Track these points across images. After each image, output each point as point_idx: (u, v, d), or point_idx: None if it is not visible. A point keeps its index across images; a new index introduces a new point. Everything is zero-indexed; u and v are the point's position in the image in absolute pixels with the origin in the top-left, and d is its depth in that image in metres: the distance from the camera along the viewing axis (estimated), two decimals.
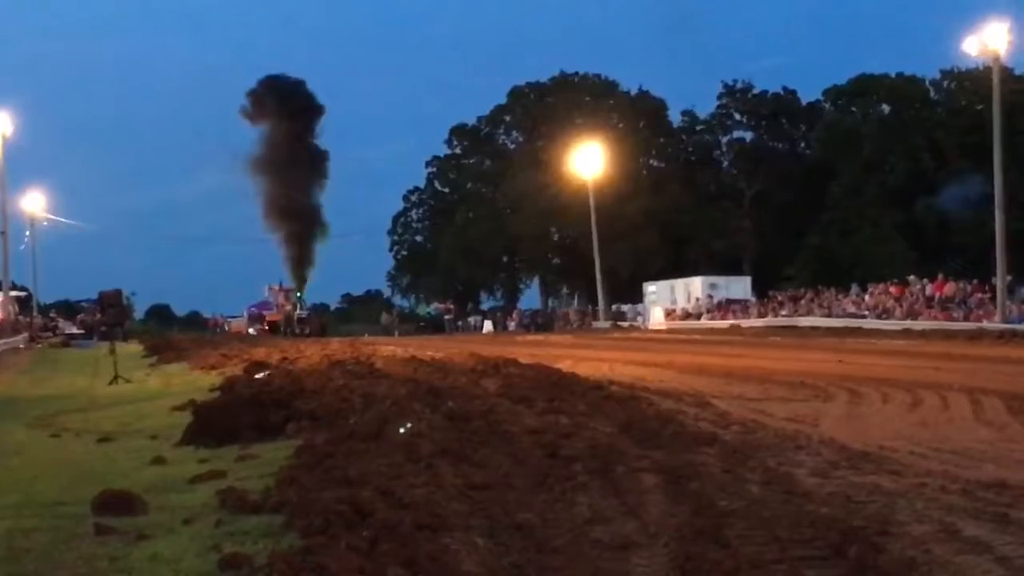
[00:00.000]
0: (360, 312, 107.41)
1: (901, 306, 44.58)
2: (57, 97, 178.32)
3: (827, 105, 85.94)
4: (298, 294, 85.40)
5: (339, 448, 9.98)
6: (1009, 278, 39.97)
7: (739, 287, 63.88)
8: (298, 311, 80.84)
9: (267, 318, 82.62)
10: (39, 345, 51.47)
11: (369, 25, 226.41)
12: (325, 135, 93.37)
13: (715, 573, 5.56)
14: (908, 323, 40.84)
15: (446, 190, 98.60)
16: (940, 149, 75.53)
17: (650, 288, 68.39)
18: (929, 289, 45.21)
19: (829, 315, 48.02)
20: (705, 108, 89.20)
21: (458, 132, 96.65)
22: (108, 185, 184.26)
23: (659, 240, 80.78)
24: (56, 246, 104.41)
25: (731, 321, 53.82)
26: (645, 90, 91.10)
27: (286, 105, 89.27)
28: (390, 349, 32.54)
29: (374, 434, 10.65)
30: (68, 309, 79.91)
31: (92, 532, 7.15)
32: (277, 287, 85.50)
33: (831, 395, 14.88)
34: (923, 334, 36.61)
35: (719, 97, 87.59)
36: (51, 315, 71.46)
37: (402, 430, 12.12)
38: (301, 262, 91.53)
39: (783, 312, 52.35)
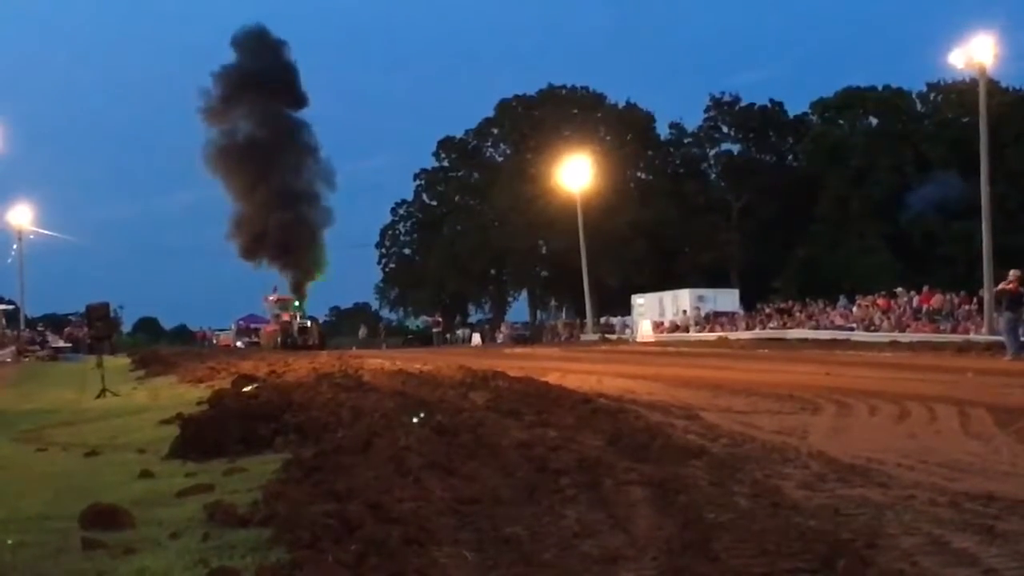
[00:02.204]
0: (348, 325, 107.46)
1: (888, 318, 44.66)
2: (44, 108, 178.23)
3: (814, 118, 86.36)
4: (296, 303, 79.08)
5: (327, 462, 9.96)
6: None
7: (727, 299, 63.92)
8: (297, 321, 74.00)
9: (265, 329, 77.38)
10: (26, 359, 51.39)
11: (357, 38, 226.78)
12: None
13: None
14: (895, 335, 40.91)
15: (434, 203, 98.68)
16: (927, 162, 75.80)
17: (638, 300, 68.40)
18: (916, 301, 45.32)
19: (817, 327, 48.10)
20: (693, 121, 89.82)
21: (446, 145, 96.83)
22: (95, 197, 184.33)
23: (647, 252, 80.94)
24: (44, 259, 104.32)
25: (719, 333, 53.86)
26: (633, 103, 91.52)
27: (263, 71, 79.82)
28: (378, 362, 32.52)
29: (362, 447, 10.63)
30: (56, 323, 79.71)
31: (79, 546, 7.12)
32: (274, 297, 79.88)
33: (819, 407, 14.88)
34: (910, 346, 36.69)
35: (706, 110, 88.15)
36: (39, 329, 71.26)
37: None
38: (301, 267, 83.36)
39: (771, 324, 52.42)
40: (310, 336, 70.68)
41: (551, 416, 13.70)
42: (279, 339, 70.65)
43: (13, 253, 69.84)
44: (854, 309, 48.77)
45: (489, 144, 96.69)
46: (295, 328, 72.04)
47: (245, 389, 20.58)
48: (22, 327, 66.92)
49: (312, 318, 78.07)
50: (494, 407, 15.24)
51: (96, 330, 31.01)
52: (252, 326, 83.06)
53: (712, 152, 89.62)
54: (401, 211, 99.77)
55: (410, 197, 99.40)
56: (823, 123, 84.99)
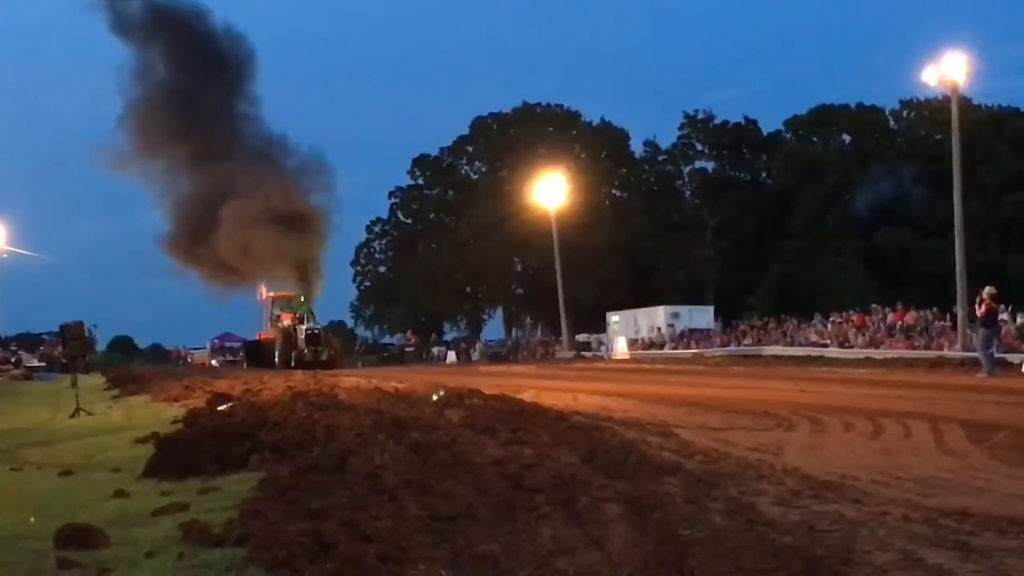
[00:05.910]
0: None
1: (863, 335, 44.79)
2: (15, 125, 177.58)
3: (788, 135, 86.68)
4: (303, 300, 56.30)
5: (302, 480, 9.94)
6: (970, 306, 40.24)
7: (702, 316, 64.04)
8: (304, 326, 53.28)
9: (261, 336, 59.25)
10: (0, 378, 51.04)
11: (329, 54, 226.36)
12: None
13: None
14: (870, 352, 41.00)
15: (409, 221, 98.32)
16: (900, 179, 76.18)
17: (613, 318, 68.44)
18: (890, 318, 45.48)
19: (791, 344, 48.19)
20: (667, 138, 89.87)
21: (420, 162, 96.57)
22: (69, 216, 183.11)
23: (622, 270, 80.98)
24: (17, 278, 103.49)
25: (694, 350, 53.91)
26: (607, 120, 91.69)
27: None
28: (353, 380, 32.39)
29: (337, 466, 10.61)
30: (30, 342, 79.20)
31: (54, 566, 7.10)
32: (271, 294, 60.09)
33: (794, 424, 14.90)
34: (885, 363, 36.77)
35: (680, 127, 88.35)
36: (12, 348, 70.77)
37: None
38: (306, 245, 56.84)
39: (746, 341, 52.50)
40: (321, 345, 52.34)
41: (526, 433, 13.66)
42: (277, 352, 52.91)
43: None
44: (828, 326, 48.91)
45: (464, 162, 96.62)
46: (300, 336, 52.46)
47: (220, 408, 20.52)
48: None
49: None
50: (469, 425, 15.19)
51: (70, 349, 30.82)
52: (227, 344, 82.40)
53: (686, 169, 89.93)
54: (376, 229, 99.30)
55: (385, 215, 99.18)
56: (797, 140, 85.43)
